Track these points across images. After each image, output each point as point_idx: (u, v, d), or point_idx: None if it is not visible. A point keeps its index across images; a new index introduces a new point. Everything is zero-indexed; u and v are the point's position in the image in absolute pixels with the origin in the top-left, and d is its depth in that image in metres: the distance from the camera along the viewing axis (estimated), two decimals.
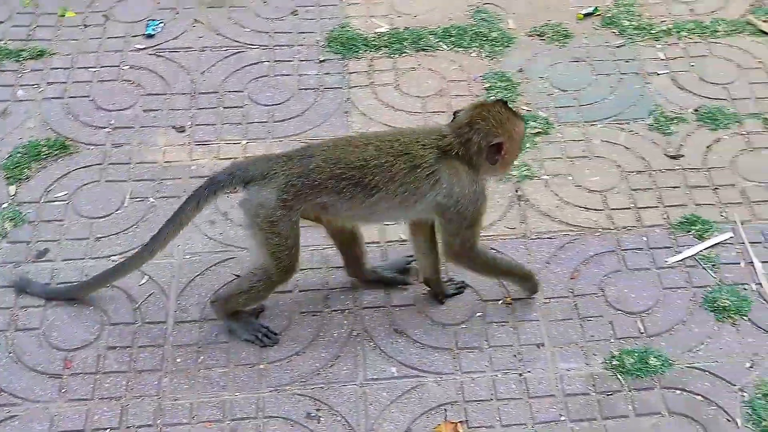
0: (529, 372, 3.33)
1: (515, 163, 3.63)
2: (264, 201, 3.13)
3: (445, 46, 4.56)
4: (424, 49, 4.54)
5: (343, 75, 4.42)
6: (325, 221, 3.36)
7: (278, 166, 3.15)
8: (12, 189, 3.91)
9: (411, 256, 3.61)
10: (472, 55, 4.53)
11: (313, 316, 3.50)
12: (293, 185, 3.12)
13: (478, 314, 3.51)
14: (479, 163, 3.18)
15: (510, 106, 3.32)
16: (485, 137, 3.14)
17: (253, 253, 3.34)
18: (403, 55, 4.53)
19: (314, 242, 3.66)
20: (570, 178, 3.98)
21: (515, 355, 3.38)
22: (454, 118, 3.26)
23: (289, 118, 4.24)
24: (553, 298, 3.55)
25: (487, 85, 4.36)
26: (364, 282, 3.59)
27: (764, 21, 4.62)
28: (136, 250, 3.44)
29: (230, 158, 3.98)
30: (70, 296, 3.54)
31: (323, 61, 4.50)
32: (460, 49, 4.54)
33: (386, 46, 4.55)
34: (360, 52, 4.53)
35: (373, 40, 4.58)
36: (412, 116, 4.22)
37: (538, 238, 3.73)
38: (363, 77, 4.41)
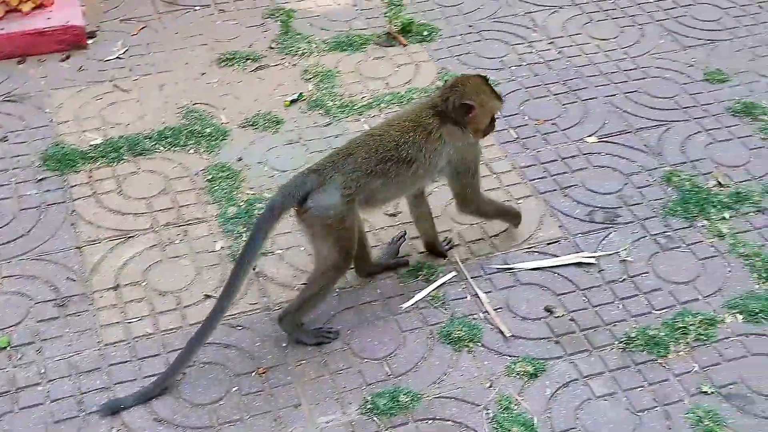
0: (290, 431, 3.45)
1: (490, 134, 3.97)
2: (331, 202, 3.52)
3: (162, 148, 4.69)
4: (141, 154, 4.65)
5: (64, 189, 4.45)
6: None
7: (329, 171, 3.55)
8: None
9: (396, 238, 4.13)
10: (190, 152, 4.68)
11: None
12: (352, 179, 3.56)
13: (234, 389, 3.60)
14: (464, 123, 3.75)
15: (491, 84, 3.89)
16: (459, 98, 3.73)
17: (321, 255, 3.64)
18: (122, 162, 4.61)
19: None
20: (302, 248, 4.18)
21: (275, 420, 3.49)
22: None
23: (15, 239, 4.20)
24: (304, 360, 3.70)
25: (210, 177, 4.52)
26: (370, 275, 4.00)
27: None
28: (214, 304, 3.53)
29: None
30: (166, 383, 3.54)
31: (42, 179, 4.50)
32: (177, 149, 4.69)
33: (103, 156, 4.62)
34: (78, 165, 4.57)
35: (90, 153, 4.64)
36: (139, 217, 4.30)
37: (280, 308, 3.88)
38: (85, 188, 4.45)
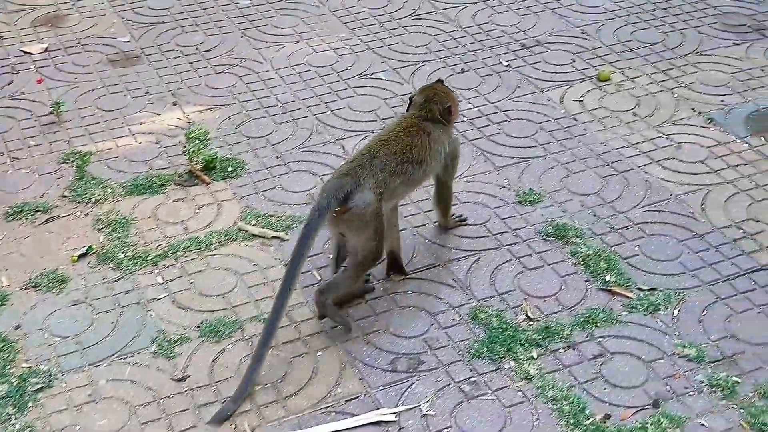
0: None
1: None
2: (369, 200, 3.99)
3: None
4: None
5: None
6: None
7: (362, 174, 4.02)
8: None
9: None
10: None
11: None
12: (381, 180, 4.04)
13: None
14: (447, 121, 4.41)
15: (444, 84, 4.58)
16: (442, 104, 4.37)
17: (361, 247, 4.06)
18: None
19: None
20: (78, 428, 3.78)
21: None
22: (410, 103, 4.44)
23: None
24: None
25: None
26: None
27: (254, 225, 4.80)
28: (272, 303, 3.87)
29: None
30: (250, 383, 3.87)
31: None
32: None
33: None
34: None
35: None
36: None
37: None
38: None
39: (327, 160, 5.23)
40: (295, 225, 4.77)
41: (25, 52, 6.29)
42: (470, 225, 4.72)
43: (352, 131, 5.45)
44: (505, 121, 5.50)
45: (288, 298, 3.92)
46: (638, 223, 4.72)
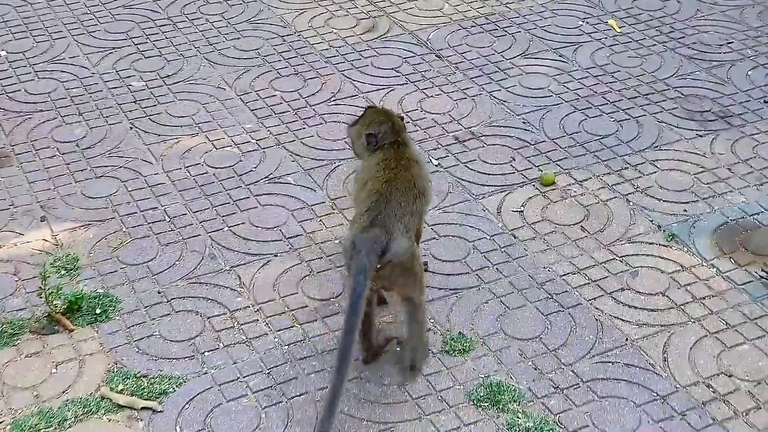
0: None
1: None
2: (406, 245, 3.73)
3: None
4: None
5: None
6: None
7: (388, 221, 3.70)
8: None
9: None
10: None
11: None
12: (407, 221, 3.78)
13: None
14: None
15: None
16: (398, 119, 4.19)
17: (414, 291, 3.79)
18: None
19: None
20: None
21: None
22: (372, 136, 4.10)
23: None
24: None
25: None
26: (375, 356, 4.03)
27: (121, 390, 3.91)
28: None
29: None
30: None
31: None
32: None
33: None
34: None
35: None
36: None
37: None
38: None
39: (219, 296, 4.36)
40: (171, 389, 3.89)
41: None
42: (383, 385, 3.87)
43: (251, 255, 4.59)
44: (433, 238, 4.65)
45: (347, 370, 3.47)
46: (587, 381, 3.89)
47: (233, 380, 3.96)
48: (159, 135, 5.45)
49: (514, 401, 3.79)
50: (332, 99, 5.75)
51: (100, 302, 4.33)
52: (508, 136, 5.37)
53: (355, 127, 4.30)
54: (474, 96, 5.74)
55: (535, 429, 3.66)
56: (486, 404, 3.79)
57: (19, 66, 6.10)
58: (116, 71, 6.01)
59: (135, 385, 3.93)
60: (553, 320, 4.17)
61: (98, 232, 4.76)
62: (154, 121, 5.57)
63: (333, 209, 4.86)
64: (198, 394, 3.89)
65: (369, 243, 3.62)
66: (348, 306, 3.53)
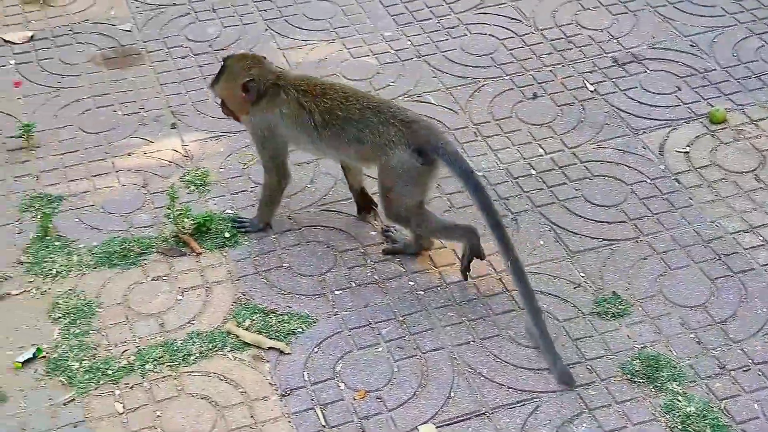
0: None
1: None
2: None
3: None
4: None
5: None
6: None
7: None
8: None
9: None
10: None
11: None
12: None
13: None
14: None
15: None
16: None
17: None
18: None
19: None
20: None
21: None
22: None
23: None
24: None
25: None
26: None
27: (248, 326, 3.70)
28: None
29: None
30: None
31: None
32: None
33: None
34: None
35: None
36: None
37: None
38: None
39: (352, 227, 4.08)
40: (300, 329, 3.67)
41: (6, 41, 5.18)
42: (527, 347, 3.56)
43: None
44: (586, 178, 4.26)
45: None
46: (759, 363, 3.50)
47: (364, 326, 3.70)
48: (294, 39, 5.12)
49: (674, 380, 3.43)
50: (479, 6, 5.30)
51: (229, 225, 4.10)
52: (674, 61, 4.87)
53: (220, 84, 3.88)
54: (636, 11, 5.21)
55: (697, 416, 3.31)
56: (641, 380, 3.45)
57: None
58: None
59: (262, 322, 3.72)
60: (720, 286, 3.77)
61: (229, 145, 4.51)
62: (290, 23, 5.23)
63: (476, 136, 4.49)
64: (327, 338, 3.65)
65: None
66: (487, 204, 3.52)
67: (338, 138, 3.74)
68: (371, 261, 3.95)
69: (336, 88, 3.80)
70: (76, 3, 5.43)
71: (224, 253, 4.01)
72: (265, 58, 3.93)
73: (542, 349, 3.45)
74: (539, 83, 4.77)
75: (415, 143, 3.62)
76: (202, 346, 3.65)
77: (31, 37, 5.20)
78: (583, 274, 3.83)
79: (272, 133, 3.84)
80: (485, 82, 4.79)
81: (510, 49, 4.98)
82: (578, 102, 4.65)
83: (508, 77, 4.81)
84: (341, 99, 3.73)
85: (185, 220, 4.05)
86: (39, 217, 4.13)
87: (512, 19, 5.19)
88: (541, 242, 3.96)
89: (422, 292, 3.80)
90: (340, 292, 3.84)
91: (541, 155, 4.37)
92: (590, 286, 3.79)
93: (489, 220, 3.51)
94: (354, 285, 3.86)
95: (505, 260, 3.49)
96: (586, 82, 4.76)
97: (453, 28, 5.16)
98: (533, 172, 4.29)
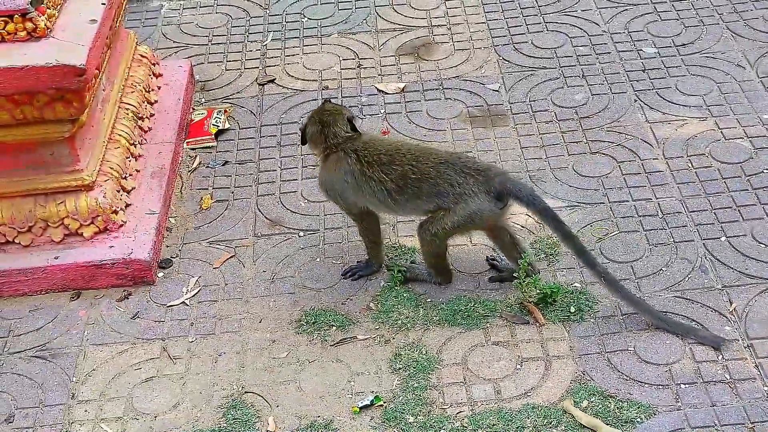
0: None
1: None
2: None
3: None
4: None
5: None
6: None
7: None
8: None
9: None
10: None
11: None
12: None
13: None
14: None
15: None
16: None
17: None
18: None
19: None
20: None
21: None
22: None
23: None
24: None
25: None
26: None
27: (585, 407, 3.60)
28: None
29: None
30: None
31: None
32: None
33: None
34: None
35: None
36: None
37: None
38: None
39: (704, 318, 3.87)
40: (639, 419, 3.52)
41: (379, 91, 5.45)
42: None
43: (749, 277, 4.02)
44: None
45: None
46: None
47: (709, 426, 3.48)
48: (664, 114, 4.97)
49: None
50: None
51: (576, 299, 4.03)
52: None
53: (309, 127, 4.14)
54: None
55: None
56: None
57: (530, 14, 5.87)
58: (628, 32, 5.58)
59: (601, 405, 3.60)
60: None
61: (584, 215, 4.44)
62: (661, 96, 5.08)
63: None
64: None
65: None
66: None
67: (416, 197, 3.90)
68: (723, 358, 3.71)
69: (402, 151, 3.94)
70: (449, 59, 5.61)
71: (567, 328, 3.93)
72: (351, 114, 4.09)
73: (679, 330, 3.78)
74: None
75: (494, 189, 3.80)
76: (536, 421, 3.59)
77: (403, 88, 5.43)
78: None
79: (338, 194, 4.07)
80: None
81: None
82: None
83: None
84: (412, 162, 3.89)
85: (533, 289, 4.02)
86: (396, 271, 4.24)
87: None
88: None
89: None
90: (686, 386, 3.63)
91: None
92: None
93: (571, 246, 3.84)
94: (701, 381, 3.64)
95: (597, 277, 3.80)
96: None
97: None
98: None
